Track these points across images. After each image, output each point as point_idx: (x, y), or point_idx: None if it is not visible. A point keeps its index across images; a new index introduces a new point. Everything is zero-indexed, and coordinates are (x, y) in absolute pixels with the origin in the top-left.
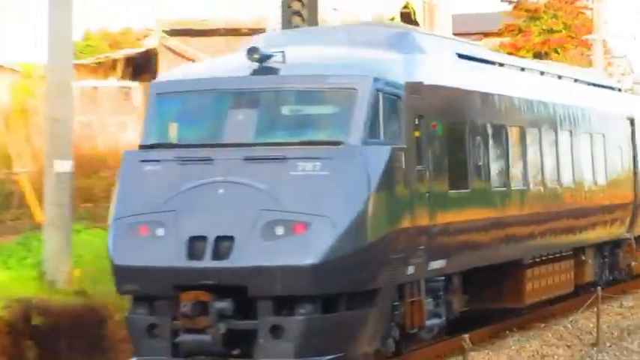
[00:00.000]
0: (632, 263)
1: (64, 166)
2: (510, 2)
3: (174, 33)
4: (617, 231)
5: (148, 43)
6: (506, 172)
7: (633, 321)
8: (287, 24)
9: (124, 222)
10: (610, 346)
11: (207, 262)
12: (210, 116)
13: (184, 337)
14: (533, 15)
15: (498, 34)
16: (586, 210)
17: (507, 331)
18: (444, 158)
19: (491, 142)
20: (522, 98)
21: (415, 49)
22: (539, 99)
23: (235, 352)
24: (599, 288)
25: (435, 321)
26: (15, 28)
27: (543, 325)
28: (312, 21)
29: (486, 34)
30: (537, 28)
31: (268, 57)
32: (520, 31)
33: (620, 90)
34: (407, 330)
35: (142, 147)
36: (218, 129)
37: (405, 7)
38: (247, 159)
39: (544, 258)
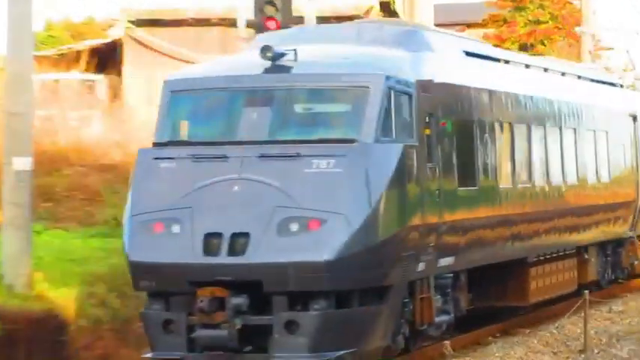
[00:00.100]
0: (635, 262)
1: (24, 163)
2: None
3: (141, 23)
4: (619, 229)
5: (113, 34)
6: (512, 169)
7: (623, 326)
8: (259, 14)
9: (139, 219)
10: (598, 353)
11: (223, 259)
12: (224, 114)
13: (201, 333)
14: (519, 5)
15: (482, 24)
16: (590, 208)
17: (491, 337)
18: (453, 156)
19: (498, 139)
20: (528, 96)
21: (423, 46)
22: (544, 96)
23: (248, 347)
24: (586, 292)
25: (444, 318)
26: None
27: (528, 330)
28: (286, 11)
29: (470, 25)
30: (523, 18)
31: (281, 55)
32: (505, 21)
33: (622, 86)
34: (417, 327)
35: (156, 144)
36: (232, 127)
37: None
38: (262, 156)
39: (548, 257)
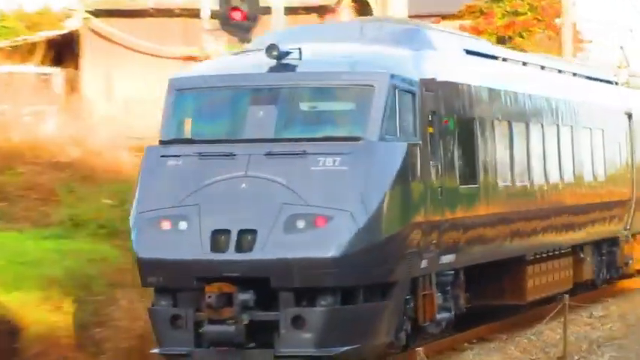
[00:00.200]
0: (630, 261)
1: None
2: None
3: (100, 14)
4: (615, 228)
5: (70, 25)
6: (511, 167)
7: (603, 332)
8: (224, 4)
9: (147, 216)
10: None
11: (230, 255)
12: (230, 112)
13: (209, 328)
14: None
15: (458, 16)
16: (586, 207)
17: (466, 343)
18: (455, 154)
19: (497, 138)
20: (526, 94)
21: (425, 45)
22: (542, 94)
23: (252, 343)
24: (566, 296)
25: (445, 315)
26: None
27: (505, 336)
28: (252, 1)
29: (445, 17)
30: (500, 9)
31: (286, 54)
32: (482, 13)
33: (617, 84)
34: (419, 323)
35: (162, 142)
36: (238, 125)
37: None
38: (269, 154)
39: (544, 255)
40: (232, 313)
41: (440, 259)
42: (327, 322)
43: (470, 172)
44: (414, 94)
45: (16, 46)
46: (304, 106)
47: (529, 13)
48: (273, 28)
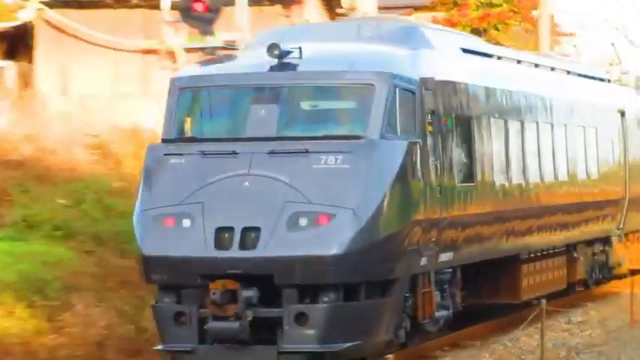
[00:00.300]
0: (622, 262)
1: None
2: None
3: (54, 4)
4: (608, 227)
5: (23, 17)
6: (507, 166)
7: (582, 338)
8: None
9: (151, 214)
10: None
11: (234, 252)
12: (232, 111)
13: (213, 325)
14: None
15: (430, 7)
16: (579, 205)
17: (439, 351)
18: (454, 152)
19: (494, 136)
20: (521, 92)
21: (423, 44)
22: (536, 92)
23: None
24: (543, 301)
25: (443, 313)
26: None
27: (479, 342)
28: None
29: (417, 8)
30: (475, 1)
31: (287, 53)
32: (455, 4)
33: (609, 81)
34: (418, 320)
35: (165, 141)
36: (241, 123)
37: None
38: (271, 153)
39: (539, 254)
40: (236, 309)
41: (439, 257)
42: (329, 318)
43: (467, 171)
44: (413, 93)
45: None
46: (306, 105)
47: (505, 5)
48: (237, 20)
